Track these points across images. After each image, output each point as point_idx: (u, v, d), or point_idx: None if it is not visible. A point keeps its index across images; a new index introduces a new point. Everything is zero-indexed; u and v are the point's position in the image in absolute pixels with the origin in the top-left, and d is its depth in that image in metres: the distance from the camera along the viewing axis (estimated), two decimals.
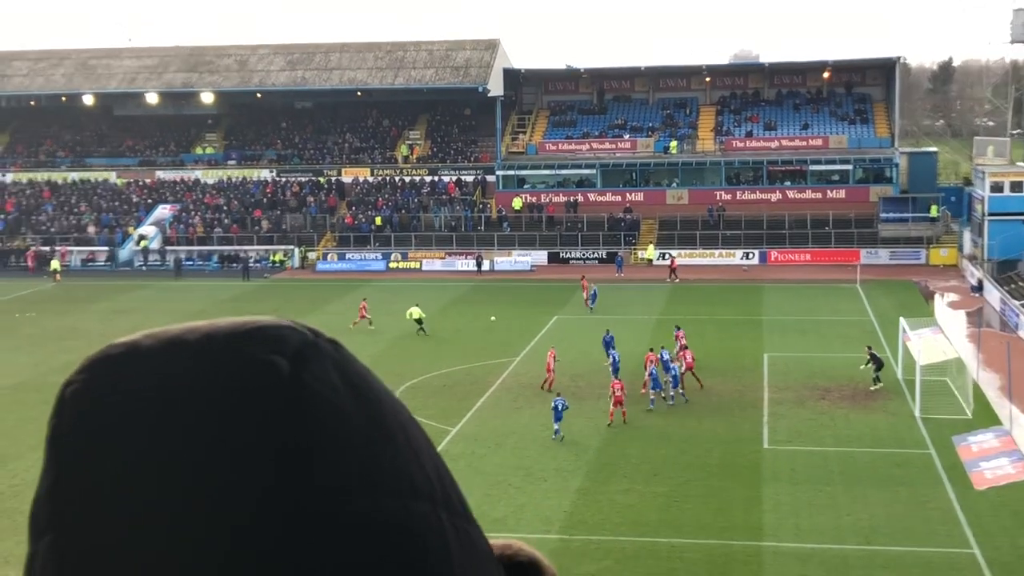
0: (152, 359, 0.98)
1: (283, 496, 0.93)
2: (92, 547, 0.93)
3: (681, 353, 44.90)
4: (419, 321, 54.66)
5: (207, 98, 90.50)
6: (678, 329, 49.12)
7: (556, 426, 38.74)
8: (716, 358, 48.08)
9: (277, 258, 79.46)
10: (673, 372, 42.29)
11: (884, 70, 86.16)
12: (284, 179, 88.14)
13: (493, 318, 56.28)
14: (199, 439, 0.93)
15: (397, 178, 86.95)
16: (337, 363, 1.02)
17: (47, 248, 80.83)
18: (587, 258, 76.18)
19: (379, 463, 0.99)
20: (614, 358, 44.48)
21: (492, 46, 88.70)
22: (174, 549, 0.90)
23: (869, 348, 44.94)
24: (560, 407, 38.75)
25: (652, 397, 41.67)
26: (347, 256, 79.25)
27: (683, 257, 75.13)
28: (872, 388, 43.57)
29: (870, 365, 43.99)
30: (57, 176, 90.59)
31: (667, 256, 74.76)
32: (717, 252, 75.87)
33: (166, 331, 1.01)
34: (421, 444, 1.04)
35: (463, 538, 1.01)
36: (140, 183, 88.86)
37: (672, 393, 42.01)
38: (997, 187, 69.33)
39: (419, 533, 0.97)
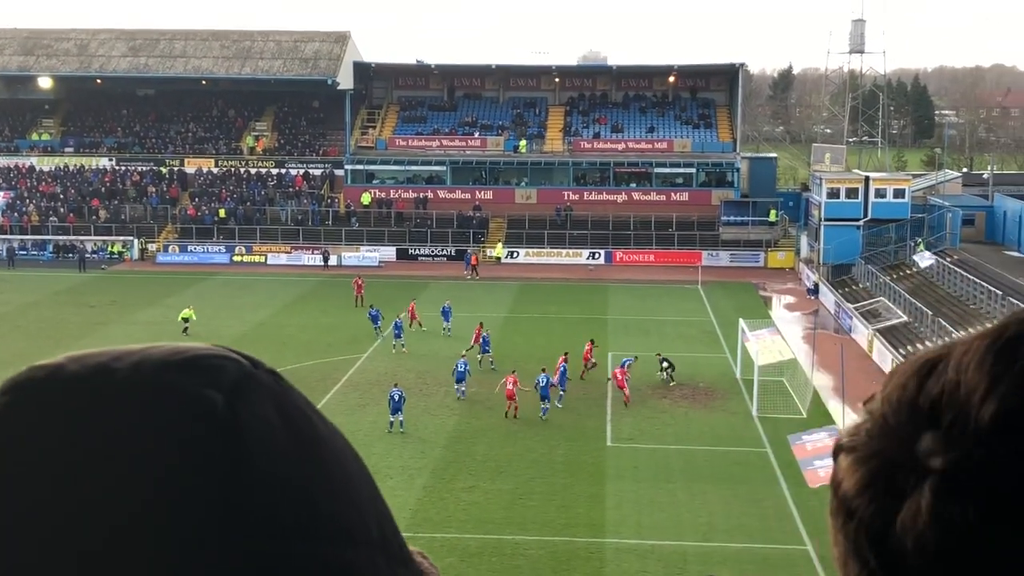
0: (78, 387, 0.89)
1: (214, 541, 0.86)
2: None
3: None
4: (185, 320, 53.36)
5: (44, 83, 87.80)
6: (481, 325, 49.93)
7: (392, 418, 38.86)
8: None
9: (115, 249, 77.52)
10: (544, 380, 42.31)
11: (727, 76, 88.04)
12: (124, 168, 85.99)
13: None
14: (126, 477, 0.85)
15: (242, 170, 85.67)
16: (276, 396, 0.95)
17: None
18: (435, 255, 76.17)
19: (316, 507, 0.91)
20: (485, 344, 47.03)
21: (342, 39, 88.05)
22: None
23: (659, 354, 46.10)
24: (397, 398, 38.95)
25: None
26: (189, 248, 77.76)
27: (531, 256, 75.83)
28: (671, 383, 45.00)
29: (667, 370, 45.36)
30: None
31: (516, 254, 75.42)
32: (564, 252, 76.62)
33: (93, 356, 0.92)
34: (361, 485, 0.98)
35: None
36: None
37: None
38: (833, 193, 71.27)
39: None
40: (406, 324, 51.83)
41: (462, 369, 42.82)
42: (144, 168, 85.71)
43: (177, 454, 0.86)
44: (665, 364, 45.79)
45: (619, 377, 43.21)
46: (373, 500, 0.99)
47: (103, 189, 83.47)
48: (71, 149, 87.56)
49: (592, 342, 47.54)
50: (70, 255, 75.69)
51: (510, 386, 40.42)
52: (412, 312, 54.11)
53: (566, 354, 44.78)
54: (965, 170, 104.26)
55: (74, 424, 0.87)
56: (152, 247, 78.08)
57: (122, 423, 0.87)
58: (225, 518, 0.87)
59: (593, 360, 46.52)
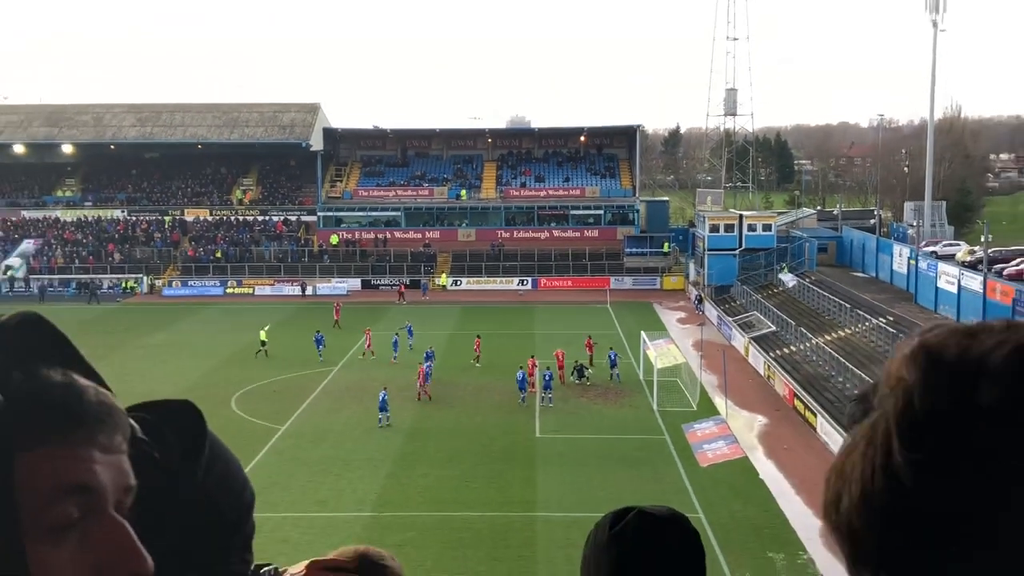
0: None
1: None
2: None
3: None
4: (264, 343, 52.07)
5: (67, 149, 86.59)
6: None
7: (380, 416, 39.00)
8: (499, 365, 48.55)
9: (128, 285, 76.45)
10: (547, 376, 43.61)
11: (627, 135, 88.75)
12: (134, 218, 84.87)
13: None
14: None
15: (232, 217, 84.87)
16: None
17: None
18: (393, 285, 75.63)
19: None
20: (428, 357, 46.66)
21: (313, 109, 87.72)
22: None
23: (576, 366, 46.66)
24: (383, 399, 39.39)
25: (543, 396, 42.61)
26: (189, 283, 76.86)
27: (471, 283, 75.84)
28: (586, 382, 45.67)
29: (576, 371, 46.19)
30: None
31: (459, 282, 75.47)
32: (498, 279, 76.68)
33: None
34: None
35: None
36: (7, 221, 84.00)
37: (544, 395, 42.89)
38: (714, 228, 72.01)
39: None
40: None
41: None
42: (151, 218, 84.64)
43: None
44: (579, 370, 46.22)
45: (560, 359, 46.08)
46: None
47: (117, 235, 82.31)
48: (90, 203, 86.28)
49: (590, 338, 49.96)
50: (84, 291, 74.28)
51: (421, 378, 43.22)
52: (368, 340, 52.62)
53: (532, 357, 45.97)
54: (819, 208, 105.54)
55: None
56: (159, 283, 77.05)
57: None
58: None
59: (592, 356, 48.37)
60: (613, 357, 47.05)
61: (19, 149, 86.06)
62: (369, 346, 51.97)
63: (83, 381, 1.03)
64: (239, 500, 1.24)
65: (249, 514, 1.26)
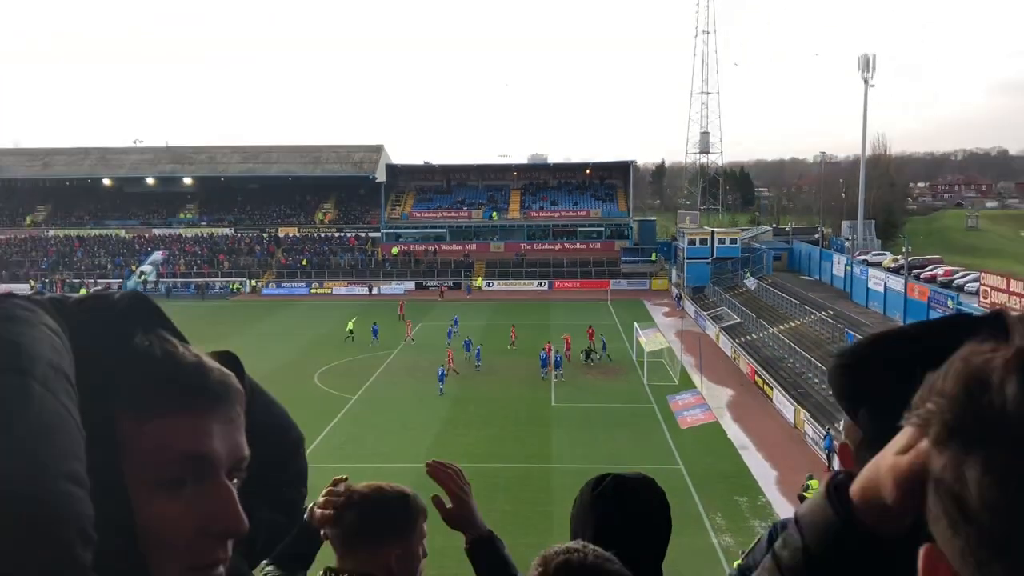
0: None
1: None
2: None
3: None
4: (351, 331, 51.73)
5: (188, 181, 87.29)
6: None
7: (440, 385, 39.31)
8: (523, 348, 48.49)
9: (235, 286, 76.96)
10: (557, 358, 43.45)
11: (623, 169, 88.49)
12: (240, 234, 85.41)
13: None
14: None
15: (315, 234, 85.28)
16: None
17: (77, 280, 76.35)
18: (440, 286, 75.66)
19: None
20: (467, 344, 45.99)
21: (378, 149, 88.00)
22: None
23: (583, 350, 46.37)
24: (441, 373, 39.60)
25: (557, 373, 42.43)
26: (282, 285, 77.27)
27: (501, 285, 75.79)
28: (591, 363, 45.26)
29: (589, 355, 45.90)
30: (84, 232, 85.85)
31: (491, 284, 75.43)
32: (522, 281, 76.62)
33: None
34: None
35: None
36: (142, 237, 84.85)
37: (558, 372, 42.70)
38: (692, 241, 71.74)
39: None
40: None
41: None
42: (252, 234, 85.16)
43: None
44: (586, 353, 46.12)
45: (567, 343, 45.85)
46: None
47: (226, 248, 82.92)
48: (205, 223, 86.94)
49: (590, 327, 49.30)
50: (199, 290, 75.06)
51: (449, 358, 42.41)
52: (408, 328, 52.40)
53: (548, 342, 45.42)
54: (774, 226, 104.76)
55: None
56: (259, 284, 77.55)
57: None
58: None
59: (593, 342, 47.49)
60: (603, 341, 47.06)
61: (150, 181, 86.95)
62: (409, 334, 51.83)
63: (209, 360, 0.96)
64: (286, 437, 1.16)
65: (297, 451, 1.19)
